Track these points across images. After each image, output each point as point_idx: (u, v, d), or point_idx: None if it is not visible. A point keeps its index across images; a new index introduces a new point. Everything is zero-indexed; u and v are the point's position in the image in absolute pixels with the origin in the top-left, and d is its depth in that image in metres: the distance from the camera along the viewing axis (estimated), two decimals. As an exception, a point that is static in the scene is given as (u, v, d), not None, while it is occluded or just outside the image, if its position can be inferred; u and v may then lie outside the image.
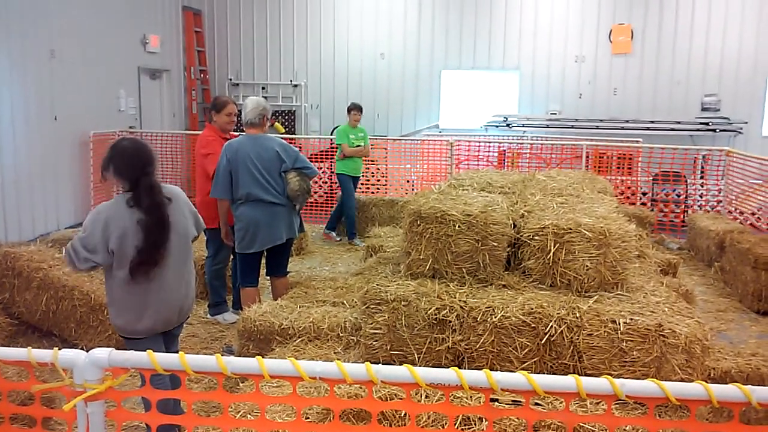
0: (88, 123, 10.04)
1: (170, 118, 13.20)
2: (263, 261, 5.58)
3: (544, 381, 1.83)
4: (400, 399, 2.96)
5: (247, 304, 5.12)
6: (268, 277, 5.68)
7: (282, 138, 5.86)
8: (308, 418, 3.22)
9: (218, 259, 6.07)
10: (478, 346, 3.61)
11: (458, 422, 3.04)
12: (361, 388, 3.15)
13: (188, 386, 3.87)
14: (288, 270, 5.73)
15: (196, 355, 1.99)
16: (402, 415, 3.13)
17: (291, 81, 14.39)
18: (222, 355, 1.96)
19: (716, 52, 13.14)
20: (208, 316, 6.17)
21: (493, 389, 1.86)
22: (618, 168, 10.99)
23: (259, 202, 5.25)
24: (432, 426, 2.99)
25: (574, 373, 3.09)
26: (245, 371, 1.97)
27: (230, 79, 14.54)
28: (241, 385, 3.78)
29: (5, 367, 2.17)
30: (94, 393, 1.96)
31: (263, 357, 2.09)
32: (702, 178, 10.74)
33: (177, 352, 3.50)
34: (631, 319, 3.45)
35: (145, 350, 3.49)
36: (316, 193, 11.38)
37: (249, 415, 3.18)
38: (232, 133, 6.15)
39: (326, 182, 11.47)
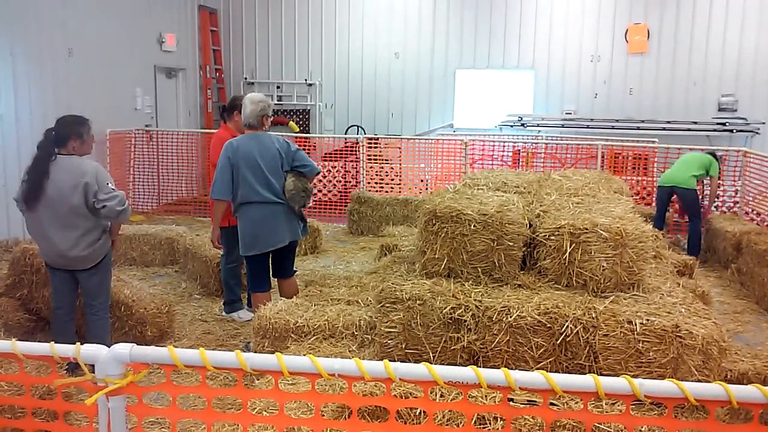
0: (104, 121, 10.12)
1: (186, 116, 13.28)
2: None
3: (563, 380, 1.84)
4: (416, 397, 2.97)
5: (258, 308, 5.02)
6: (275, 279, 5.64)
7: (296, 137, 5.85)
8: (324, 415, 3.23)
9: (232, 257, 6.09)
10: (493, 345, 3.62)
11: (473, 421, 3.04)
12: (376, 386, 3.16)
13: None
14: (295, 270, 5.60)
15: (216, 351, 2.02)
16: (417, 413, 3.14)
17: (306, 80, 14.43)
18: (241, 351, 1.98)
19: (733, 52, 13.03)
20: (223, 313, 6.21)
21: (510, 388, 1.87)
22: (634, 168, 10.92)
23: (260, 203, 5.12)
24: (447, 425, 3.00)
25: (589, 373, 3.09)
26: (264, 367, 1.99)
27: (245, 78, 14.61)
28: (256, 382, 3.80)
29: (24, 362, 2.22)
30: (115, 388, 1.99)
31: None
32: (719, 178, 10.64)
33: (90, 298, 4.72)
34: (648, 319, 3.44)
35: (51, 281, 4.62)
36: (330, 192, 11.40)
37: (264, 412, 3.20)
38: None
39: (340, 181, 11.49)
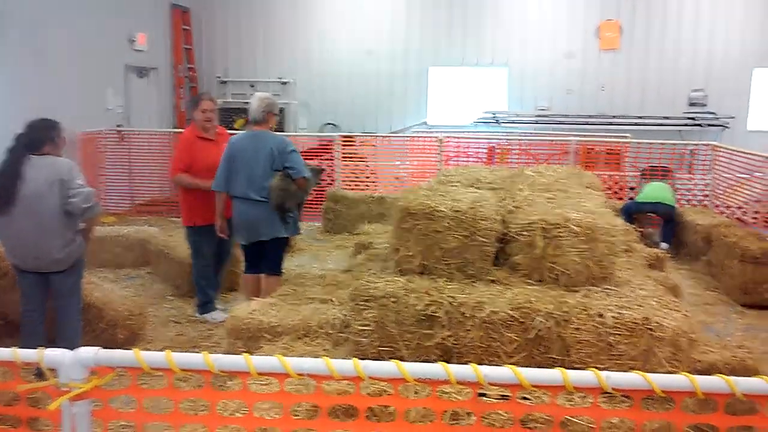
0: (74, 122, 9.95)
1: (158, 116, 13.14)
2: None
3: (531, 374, 1.84)
4: (389, 395, 2.96)
5: (245, 290, 5.64)
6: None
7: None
8: (297, 415, 3.21)
9: (200, 258, 6.01)
10: (466, 341, 3.62)
11: (448, 417, 3.04)
12: (350, 384, 3.14)
13: (176, 385, 3.86)
14: (281, 270, 5.68)
15: (183, 353, 1.99)
16: (392, 411, 3.13)
17: (280, 78, 14.34)
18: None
19: (703, 48, 13.23)
20: (197, 315, 6.14)
21: (480, 383, 1.86)
22: (606, 163, 11.03)
23: (242, 198, 5.38)
24: (421, 422, 2.99)
25: (562, 367, 3.11)
26: (232, 368, 1.97)
27: (219, 77, 14.48)
28: (228, 383, 3.76)
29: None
30: (79, 392, 1.95)
31: (252, 355, 2.08)
32: (690, 172, 10.80)
33: (63, 300, 4.63)
34: (619, 313, 3.47)
35: (20, 284, 4.46)
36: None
37: (237, 413, 3.17)
38: (222, 128, 6.14)
39: (323, 180, 11.42)
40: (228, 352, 4.53)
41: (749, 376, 2.87)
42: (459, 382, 1.88)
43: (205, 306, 6.09)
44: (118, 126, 11.56)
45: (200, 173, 5.72)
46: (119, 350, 2.06)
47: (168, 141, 11.60)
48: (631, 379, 1.81)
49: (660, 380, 1.80)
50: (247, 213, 5.38)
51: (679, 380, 1.80)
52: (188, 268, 6.55)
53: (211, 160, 5.63)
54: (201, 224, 5.81)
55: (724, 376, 1.77)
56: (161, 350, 2.08)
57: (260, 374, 1.95)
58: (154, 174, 11.45)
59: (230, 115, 12.98)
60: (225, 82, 14.48)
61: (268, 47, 14.45)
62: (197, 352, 2.05)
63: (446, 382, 1.87)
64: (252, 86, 14.31)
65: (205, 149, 5.76)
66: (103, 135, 11.07)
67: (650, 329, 3.40)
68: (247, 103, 5.93)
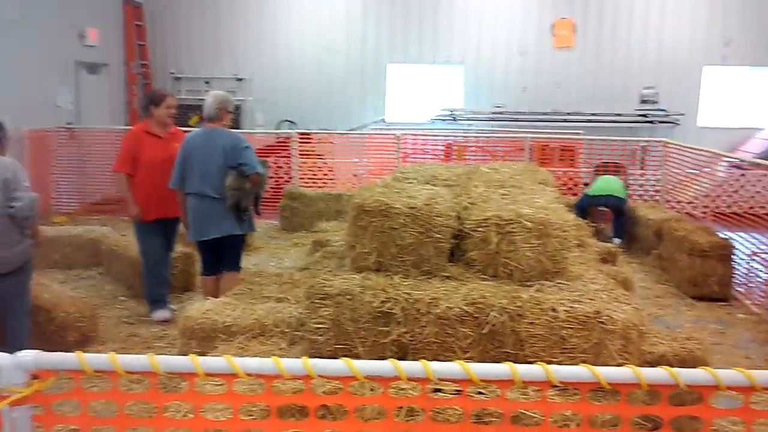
0: (22, 119, 9.67)
1: (110, 113, 12.85)
2: None
3: (481, 369, 1.84)
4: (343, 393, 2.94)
5: (203, 291, 5.59)
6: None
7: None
8: (252, 414, 3.17)
9: (147, 255, 5.92)
10: (422, 337, 3.62)
11: (403, 414, 3.04)
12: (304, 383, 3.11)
13: (129, 387, 3.78)
14: (239, 266, 5.67)
15: (127, 355, 1.94)
16: (346, 409, 3.11)
17: (235, 75, 14.17)
18: None
19: (654, 47, 13.54)
20: (150, 315, 6.01)
21: (430, 379, 1.86)
22: (561, 160, 11.19)
23: (195, 195, 5.36)
24: (377, 419, 2.98)
25: (515, 361, 3.13)
26: (178, 370, 1.93)
27: (172, 74, 14.24)
28: (182, 384, 3.70)
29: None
30: (18, 397, 1.89)
31: (206, 356, 2.05)
32: (641, 168, 11.04)
33: (11, 303, 4.50)
34: (571, 306, 3.52)
35: None
36: (262, 188, 11.22)
37: (190, 414, 3.11)
38: (175, 127, 6.04)
39: (272, 177, 11.33)
40: (182, 353, 4.45)
41: (698, 366, 2.94)
42: (410, 379, 1.88)
43: (152, 304, 5.97)
44: (69, 123, 11.27)
45: (144, 169, 5.71)
46: (60, 353, 2.00)
47: (120, 139, 11.34)
48: (578, 372, 1.83)
49: (606, 373, 1.83)
50: (199, 209, 5.36)
51: (625, 372, 1.82)
52: (140, 268, 6.42)
53: (160, 156, 5.65)
54: (146, 220, 5.74)
55: (668, 367, 1.80)
56: (114, 352, 2.02)
57: (208, 375, 1.92)
58: (105, 172, 11.16)
59: (185, 112, 12.77)
60: (179, 79, 14.25)
61: (223, 43, 14.26)
62: (149, 353, 2.00)
63: (397, 378, 1.87)
64: (207, 83, 14.13)
65: (151, 146, 5.71)
66: (53, 133, 10.77)
67: (601, 322, 3.45)
68: (202, 100, 5.87)
